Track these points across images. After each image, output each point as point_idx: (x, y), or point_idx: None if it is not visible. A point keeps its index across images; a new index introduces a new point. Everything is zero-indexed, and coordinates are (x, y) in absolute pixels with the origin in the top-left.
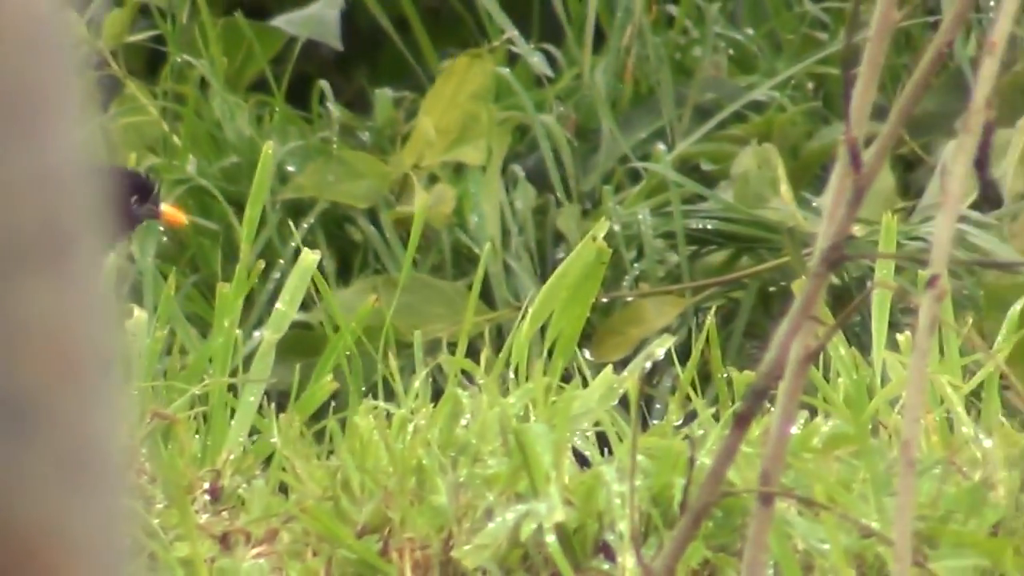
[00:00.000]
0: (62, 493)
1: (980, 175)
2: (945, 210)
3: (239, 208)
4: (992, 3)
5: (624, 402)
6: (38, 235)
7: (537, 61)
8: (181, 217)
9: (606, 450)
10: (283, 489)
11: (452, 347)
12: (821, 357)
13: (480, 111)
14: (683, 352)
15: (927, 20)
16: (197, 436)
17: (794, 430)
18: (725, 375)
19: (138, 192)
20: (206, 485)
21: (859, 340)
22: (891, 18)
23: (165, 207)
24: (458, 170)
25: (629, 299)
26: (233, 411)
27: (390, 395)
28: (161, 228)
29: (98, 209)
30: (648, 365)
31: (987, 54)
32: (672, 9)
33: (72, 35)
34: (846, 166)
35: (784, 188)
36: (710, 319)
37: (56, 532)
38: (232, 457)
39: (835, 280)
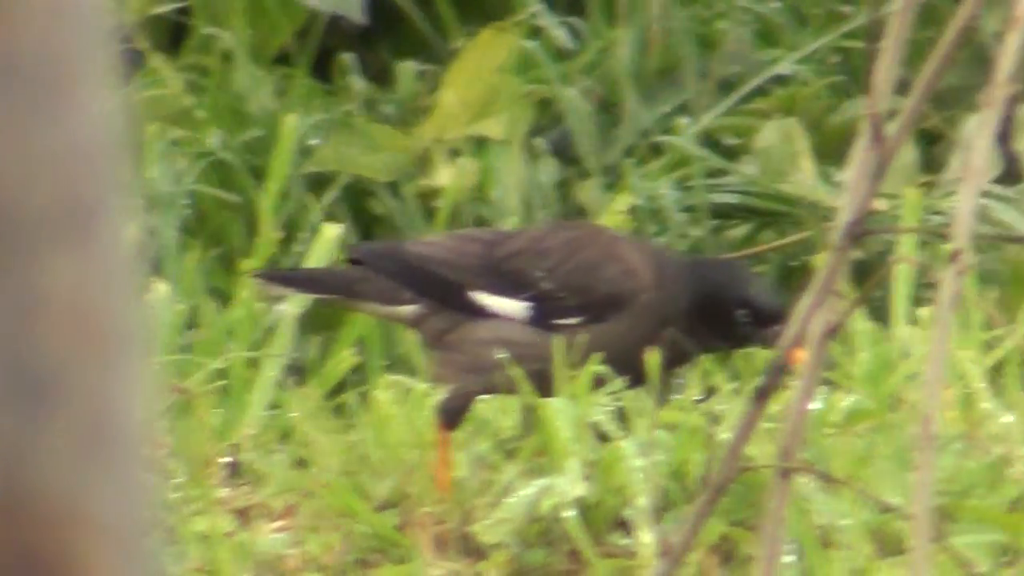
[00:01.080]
0: (82, 467)
1: (1003, 149)
2: (967, 184)
3: (262, 181)
4: None
5: None
6: (61, 208)
7: (561, 34)
8: None
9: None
10: (302, 464)
11: None
12: (842, 332)
13: (503, 84)
14: None
15: None
16: (216, 410)
17: (814, 405)
18: None
19: (757, 313)
20: (225, 459)
21: (880, 315)
22: None
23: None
24: (481, 144)
25: None
26: (253, 385)
27: (411, 370)
28: (185, 202)
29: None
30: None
31: (1010, 29)
32: None
33: (98, 6)
34: (869, 140)
35: (807, 162)
36: None
37: (76, 507)
38: (251, 432)
39: (857, 254)
